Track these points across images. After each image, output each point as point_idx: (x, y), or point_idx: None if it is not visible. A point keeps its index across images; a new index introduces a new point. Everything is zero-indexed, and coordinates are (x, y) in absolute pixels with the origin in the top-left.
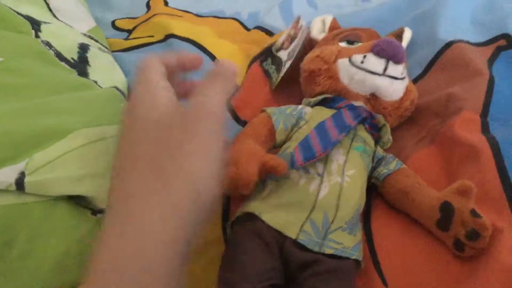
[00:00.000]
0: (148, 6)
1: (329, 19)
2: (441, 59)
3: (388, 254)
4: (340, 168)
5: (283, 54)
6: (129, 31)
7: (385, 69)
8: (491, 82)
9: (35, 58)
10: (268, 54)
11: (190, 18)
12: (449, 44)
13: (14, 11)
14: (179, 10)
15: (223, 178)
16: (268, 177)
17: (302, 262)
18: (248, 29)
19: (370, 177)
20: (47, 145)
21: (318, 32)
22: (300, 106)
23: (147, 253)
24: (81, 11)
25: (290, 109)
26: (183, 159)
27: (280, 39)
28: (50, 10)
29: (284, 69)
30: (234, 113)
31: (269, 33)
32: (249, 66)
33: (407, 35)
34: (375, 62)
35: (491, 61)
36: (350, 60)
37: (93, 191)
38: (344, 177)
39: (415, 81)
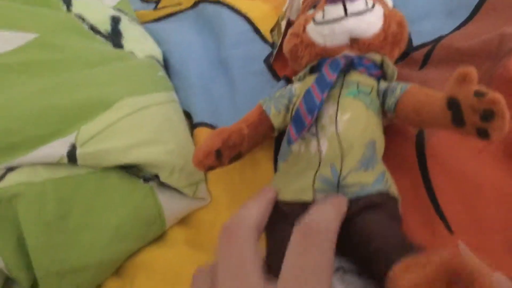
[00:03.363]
0: None
1: None
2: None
3: (450, 199)
4: (332, 118)
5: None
6: (157, 1)
7: (345, 10)
8: None
9: (70, 32)
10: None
11: None
12: None
13: None
14: None
15: None
16: (279, 159)
17: None
18: None
19: (385, 113)
20: (94, 116)
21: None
22: (289, 86)
23: None
24: None
25: (279, 92)
26: None
27: (284, 7)
28: None
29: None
30: (272, 70)
31: None
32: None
33: None
34: (333, 10)
35: None
36: (314, 21)
37: (143, 159)
38: (338, 124)
39: (462, 25)
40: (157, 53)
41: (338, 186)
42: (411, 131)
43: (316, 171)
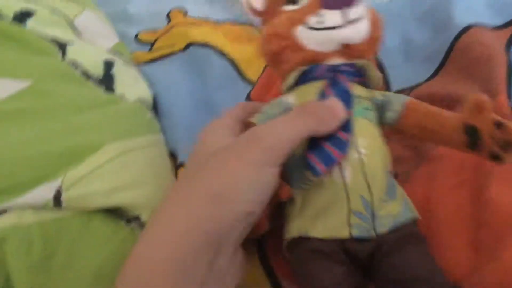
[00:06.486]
0: (168, 17)
1: None
2: (457, 45)
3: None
4: (352, 144)
5: None
6: (152, 44)
7: (344, 17)
8: (510, 66)
9: (62, 79)
10: None
11: (209, 25)
12: (465, 30)
13: (40, 34)
14: (198, 18)
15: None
16: (293, 188)
17: (368, 254)
18: None
19: (382, 126)
20: (80, 161)
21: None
22: (280, 98)
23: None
24: (105, 28)
25: (269, 106)
26: (203, 177)
27: None
28: (74, 30)
29: None
30: None
31: None
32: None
33: None
34: (332, 16)
35: (508, 44)
36: (306, 25)
37: (126, 202)
38: (360, 151)
39: (437, 70)
40: (147, 95)
41: (373, 220)
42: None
43: (347, 206)
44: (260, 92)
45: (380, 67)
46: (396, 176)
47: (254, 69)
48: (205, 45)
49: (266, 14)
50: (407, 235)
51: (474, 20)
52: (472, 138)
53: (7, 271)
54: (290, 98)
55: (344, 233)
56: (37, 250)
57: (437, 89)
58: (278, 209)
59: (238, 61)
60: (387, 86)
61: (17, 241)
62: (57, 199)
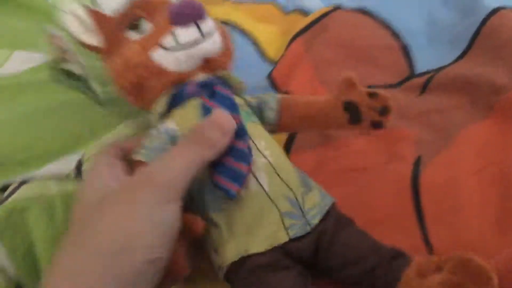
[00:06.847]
0: None
1: (79, 11)
2: (485, 28)
3: (437, 218)
4: (254, 150)
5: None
6: None
7: (200, 31)
8: None
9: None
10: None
11: (229, 4)
12: (493, 12)
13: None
14: None
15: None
16: (212, 212)
17: (309, 250)
18: (286, 13)
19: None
20: (100, 134)
21: (84, 32)
22: (157, 128)
23: None
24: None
25: (152, 139)
26: (96, 231)
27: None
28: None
29: None
30: (274, 85)
31: (307, 15)
32: (290, 42)
33: None
34: (187, 33)
35: None
36: (162, 48)
37: None
38: (264, 154)
39: (463, 53)
40: None
41: (304, 215)
42: (409, 159)
43: (276, 210)
44: (283, 72)
45: (405, 50)
46: (418, 159)
47: (275, 48)
48: (225, 23)
49: (108, 47)
50: (337, 220)
51: (502, 2)
52: (352, 113)
53: (30, 239)
54: (170, 125)
55: (283, 238)
56: (59, 220)
57: (463, 71)
58: (196, 246)
59: (259, 40)
60: (411, 69)
61: (39, 211)
62: (78, 170)
